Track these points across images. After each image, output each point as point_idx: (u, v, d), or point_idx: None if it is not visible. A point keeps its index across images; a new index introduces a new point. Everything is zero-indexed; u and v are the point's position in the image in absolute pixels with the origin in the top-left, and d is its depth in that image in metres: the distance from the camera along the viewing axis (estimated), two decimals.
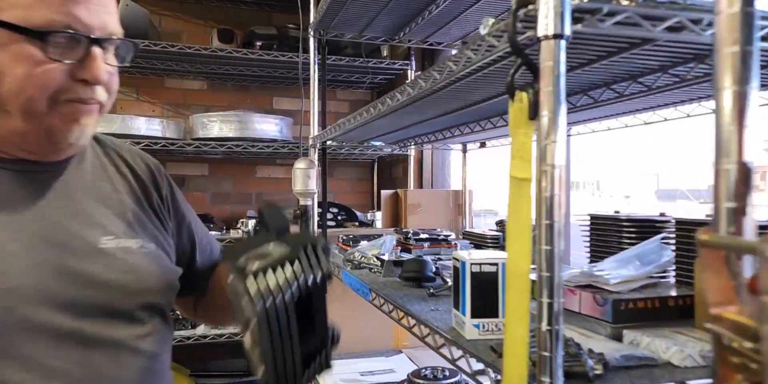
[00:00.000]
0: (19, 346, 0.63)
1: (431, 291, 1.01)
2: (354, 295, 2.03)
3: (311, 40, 2.14)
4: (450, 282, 1.02)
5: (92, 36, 0.66)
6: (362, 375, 1.71)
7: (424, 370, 1.46)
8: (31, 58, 0.63)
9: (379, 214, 2.52)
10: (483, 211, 2.74)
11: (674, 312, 0.74)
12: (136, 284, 0.72)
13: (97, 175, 0.78)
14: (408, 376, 1.46)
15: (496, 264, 0.68)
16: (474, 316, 0.68)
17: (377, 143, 2.43)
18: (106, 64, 0.69)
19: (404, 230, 1.68)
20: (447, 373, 1.44)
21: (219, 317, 0.97)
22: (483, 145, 2.01)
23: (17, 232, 0.67)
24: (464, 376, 1.47)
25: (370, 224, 2.66)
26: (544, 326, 0.49)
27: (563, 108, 0.49)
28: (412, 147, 2.39)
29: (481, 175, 2.28)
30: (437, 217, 2.18)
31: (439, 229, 1.71)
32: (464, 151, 2.14)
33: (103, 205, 0.75)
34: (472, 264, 0.68)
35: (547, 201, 0.50)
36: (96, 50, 0.67)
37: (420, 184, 2.67)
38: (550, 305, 0.49)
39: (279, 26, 2.64)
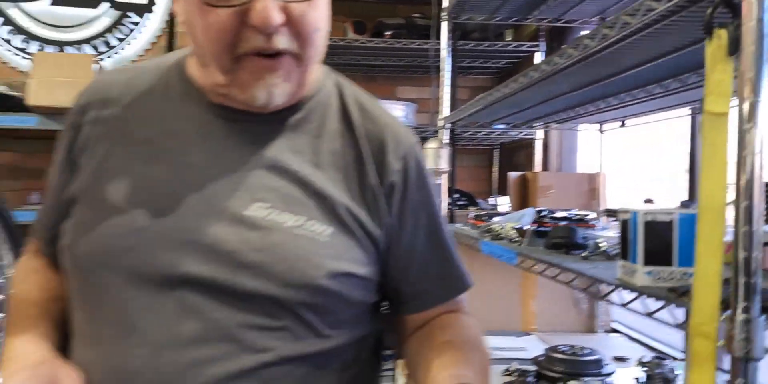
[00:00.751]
0: (121, 287, 0.61)
1: (584, 255, 1.02)
2: (481, 276, 2.06)
3: (444, 24, 2.20)
4: (604, 247, 1.02)
5: None
6: (494, 350, 1.74)
7: (561, 347, 1.46)
8: (199, 7, 0.59)
9: (502, 199, 2.52)
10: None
11: None
12: (262, 265, 0.61)
13: (306, 141, 0.68)
14: (545, 350, 1.47)
15: (671, 214, 0.69)
16: (647, 263, 0.70)
17: (501, 126, 2.43)
18: (275, 1, 0.57)
19: (539, 209, 1.68)
20: (586, 352, 1.42)
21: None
22: (623, 124, 1.93)
23: (174, 173, 0.65)
24: (607, 359, 1.44)
25: (493, 210, 2.67)
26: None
27: (766, 42, 0.50)
28: (540, 128, 2.36)
29: (616, 158, 2.19)
30: (569, 201, 2.14)
31: (575, 210, 1.69)
32: (601, 130, 2.07)
33: (286, 172, 0.65)
34: (644, 213, 0.70)
35: (748, 142, 0.50)
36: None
37: (545, 170, 2.63)
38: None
39: (404, 16, 2.74)
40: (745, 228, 0.50)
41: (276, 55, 0.60)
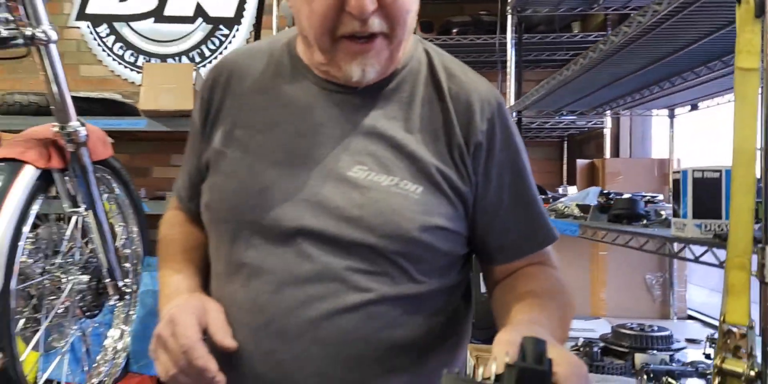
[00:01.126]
0: (249, 237, 0.73)
1: (645, 222, 1.10)
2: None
3: (509, 18, 2.28)
4: (665, 215, 1.09)
5: None
6: None
7: (630, 324, 1.50)
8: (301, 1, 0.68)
9: (572, 189, 2.56)
10: None
11: None
12: (362, 219, 0.70)
13: (398, 108, 0.75)
14: (612, 327, 1.52)
15: (719, 170, 0.76)
16: (695, 217, 0.78)
17: (570, 117, 2.47)
18: None
19: (605, 191, 1.73)
20: (655, 328, 1.46)
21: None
22: (695, 107, 1.92)
23: (290, 140, 0.74)
24: (677, 336, 1.46)
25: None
26: None
27: None
28: (608, 115, 2.38)
29: (690, 143, 2.17)
30: (638, 187, 2.15)
31: (643, 192, 1.73)
32: (671, 116, 2.08)
33: (381, 138, 0.73)
34: (693, 170, 0.78)
35: None
36: None
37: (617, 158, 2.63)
38: None
39: (471, 14, 2.84)
40: None
41: (369, 36, 0.68)
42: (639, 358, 1.30)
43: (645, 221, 1.10)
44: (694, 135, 2.15)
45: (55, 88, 1.01)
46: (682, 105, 1.96)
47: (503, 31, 2.40)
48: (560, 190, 2.82)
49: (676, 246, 0.82)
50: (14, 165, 1.00)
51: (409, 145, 0.73)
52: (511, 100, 2.26)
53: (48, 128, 1.06)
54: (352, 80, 0.71)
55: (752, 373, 0.58)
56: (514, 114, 2.20)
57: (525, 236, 0.78)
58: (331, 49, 0.69)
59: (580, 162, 2.31)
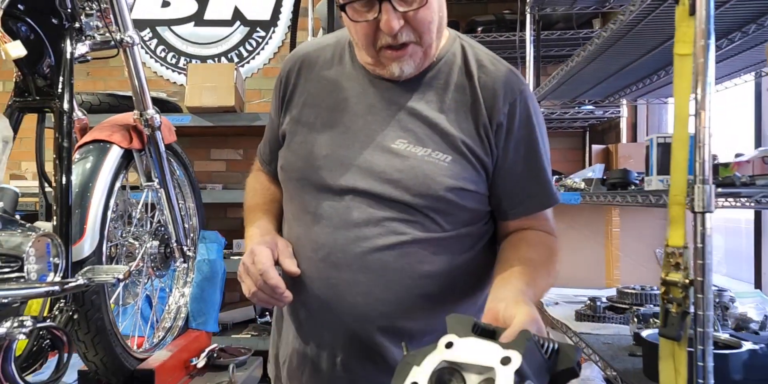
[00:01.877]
0: (314, 193, 0.94)
1: (633, 188, 1.26)
2: (568, 239, 2.27)
3: (527, 17, 2.43)
4: None
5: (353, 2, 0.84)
6: (575, 296, 1.97)
7: (633, 285, 1.66)
8: (348, 21, 0.89)
9: (595, 166, 2.69)
10: None
11: None
12: (401, 181, 0.89)
13: (435, 93, 0.93)
14: (617, 289, 1.68)
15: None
16: (659, 173, 0.94)
17: (588, 107, 2.61)
18: (396, 13, 0.83)
19: (617, 168, 1.88)
20: (656, 288, 1.61)
21: None
22: None
23: (348, 118, 0.94)
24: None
25: None
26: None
27: (712, 3, 0.75)
28: (624, 104, 2.50)
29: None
30: None
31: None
32: None
33: (419, 117, 0.91)
34: (657, 137, 0.94)
35: (701, 71, 0.76)
36: (385, 6, 0.83)
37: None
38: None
39: (495, 13, 2.99)
40: (702, 127, 0.75)
41: (402, 45, 0.87)
42: (638, 309, 1.46)
43: (635, 188, 1.26)
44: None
45: (136, 82, 1.24)
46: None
47: (523, 28, 2.54)
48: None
49: (652, 198, 0.99)
50: (104, 145, 1.23)
51: (441, 123, 0.92)
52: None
53: (129, 115, 1.29)
54: (393, 77, 0.92)
55: (686, 281, 0.75)
56: None
57: (532, 198, 0.96)
58: (375, 56, 0.91)
59: (596, 147, 2.45)
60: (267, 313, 3.21)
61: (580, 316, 1.57)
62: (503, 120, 0.92)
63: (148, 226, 1.48)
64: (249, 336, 2.95)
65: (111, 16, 1.13)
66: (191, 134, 3.50)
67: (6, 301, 0.67)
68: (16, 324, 0.66)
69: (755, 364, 0.93)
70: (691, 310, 0.77)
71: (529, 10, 2.41)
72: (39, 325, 0.69)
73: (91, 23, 1.15)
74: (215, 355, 1.58)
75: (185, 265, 1.58)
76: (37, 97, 0.98)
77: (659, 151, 0.93)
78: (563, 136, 3.37)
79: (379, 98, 0.94)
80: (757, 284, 1.71)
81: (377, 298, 0.90)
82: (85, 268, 0.91)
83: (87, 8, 1.13)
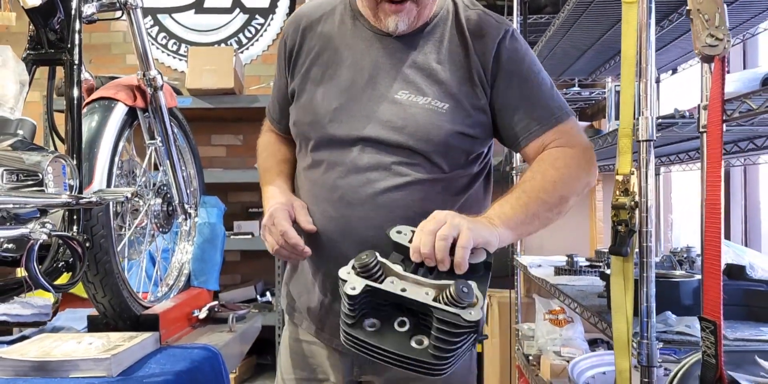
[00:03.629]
0: (326, 143, 1.05)
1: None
2: None
3: (515, 1, 2.51)
4: None
5: None
6: (558, 261, 2.06)
7: None
8: None
9: None
10: None
11: None
12: (404, 128, 0.99)
13: (432, 46, 1.03)
14: (595, 250, 1.77)
15: None
16: (616, 119, 1.03)
17: (575, 88, 2.69)
18: None
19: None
20: None
21: None
22: (674, 71, 2.09)
23: (353, 72, 1.03)
24: None
25: None
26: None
27: None
28: (609, 81, 2.59)
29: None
30: None
31: None
32: (657, 81, 2.27)
33: (419, 69, 1.01)
34: (616, 85, 1.04)
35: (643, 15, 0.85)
36: None
37: None
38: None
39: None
40: (645, 65, 0.84)
41: (401, 0, 0.97)
42: None
43: None
44: (679, 98, 2.34)
45: (140, 43, 1.33)
46: (664, 70, 2.14)
47: (511, 13, 2.62)
48: None
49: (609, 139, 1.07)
50: (110, 102, 1.32)
51: (439, 73, 1.02)
52: None
53: (133, 77, 1.39)
54: (388, 31, 1.01)
55: (633, 203, 0.85)
56: None
57: (537, 120, 1.01)
58: (374, 8, 1.00)
59: (581, 124, 2.53)
60: (267, 293, 3.31)
61: (558, 271, 1.66)
62: (491, 60, 1.01)
63: (152, 185, 1.57)
64: (249, 311, 3.04)
65: None
66: (192, 119, 3.56)
67: (28, 208, 0.77)
68: (38, 225, 0.76)
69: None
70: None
71: None
72: (58, 233, 0.79)
73: None
74: (216, 309, 1.67)
75: (187, 223, 1.67)
76: (50, 50, 1.07)
77: (616, 97, 1.02)
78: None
79: (381, 53, 1.03)
80: (726, 235, 1.79)
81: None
82: (96, 189, 1.00)
83: None
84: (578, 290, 1.42)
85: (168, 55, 3.84)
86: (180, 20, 3.83)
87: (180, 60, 3.78)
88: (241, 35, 3.79)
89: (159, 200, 1.54)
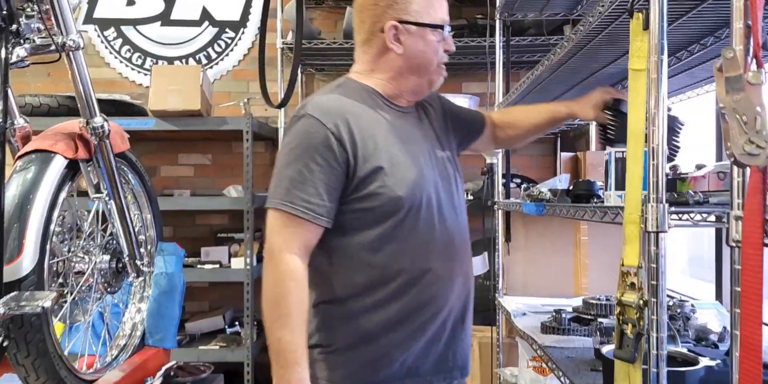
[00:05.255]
0: (421, 210, 1.16)
1: (594, 202, 1.24)
2: (539, 247, 2.27)
3: (497, 23, 2.43)
4: None
5: (447, 24, 1.20)
6: (543, 305, 1.96)
7: (599, 296, 1.65)
8: (434, 41, 1.18)
9: (561, 176, 2.70)
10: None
11: None
12: (449, 175, 1.25)
13: (422, 114, 1.28)
14: (583, 299, 1.67)
15: None
16: (617, 189, 0.93)
17: None
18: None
19: (581, 179, 1.88)
20: None
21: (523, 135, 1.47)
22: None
23: (413, 145, 1.20)
24: None
25: None
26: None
27: (665, 19, 0.73)
28: None
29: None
30: None
31: None
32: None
33: (430, 130, 1.26)
34: (615, 152, 0.93)
35: (654, 87, 0.74)
36: (448, 33, 1.21)
37: None
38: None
39: (468, 18, 2.98)
40: (654, 144, 0.74)
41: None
42: (600, 322, 1.46)
43: (597, 200, 1.25)
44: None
45: (81, 89, 1.18)
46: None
47: (493, 34, 2.54)
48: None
49: (611, 215, 0.97)
50: (46, 155, 1.17)
51: (440, 135, 1.30)
52: (500, 97, 2.41)
53: (75, 123, 1.23)
54: (436, 87, 1.27)
55: (641, 302, 0.74)
56: None
57: (475, 114, 1.44)
58: (432, 71, 1.22)
59: (564, 155, 2.46)
60: (236, 323, 3.14)
61: (545, 328, 1.56)
62: (440, 110, 1.34)
63: (99, 239, 1.42)
64: (217, 347, 2.85)
65: (52, 18, 1.07)
66: (158, 138, 3.41)
67: None
68: None
69: (711, 381, 0.92)
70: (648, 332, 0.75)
71: (498, 16, 2.41)
72: None
73: (32, 26, 1.08)
74: (173, 373, 1.52)
75: (141, 279, 1.52)
76: None
77: (617, 166, 0.92)
78: (535, 142, 3.35)
79: (409, 123, 1.24)
80: (718, 296, 1.73)
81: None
82: (8, 296, 0.85)
83: (27, 10, 1.07)
84: (567, 357, 1.32)
85: (132, 69, 3.65)
86: (145, 32, 3.64)
87: (145, 74, 3.59)
88: (210, 49, 3.62)
89: (107, 257, 1.38)
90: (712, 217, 0.70)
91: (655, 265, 0.73)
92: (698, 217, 0.72)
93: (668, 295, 2.10)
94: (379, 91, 1.20)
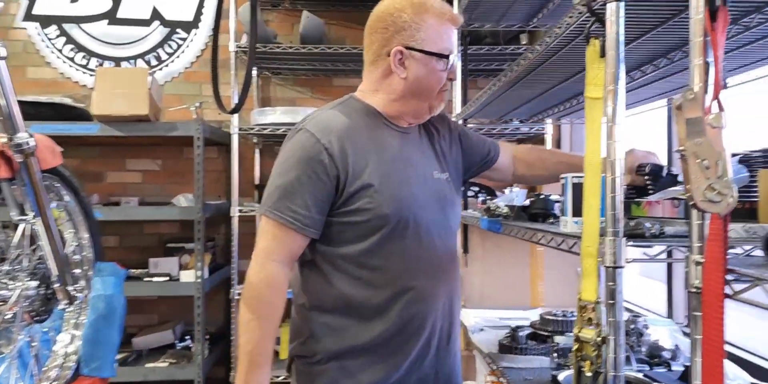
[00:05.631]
0: (408, 229, 1.16)
1: (551, 221, 1.23)
2: (496, 258, 2.27)
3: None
4: None
5: (453, 54, 1.19)
6: (501, 319, 1.95)
7: (555, 311, 1.65)
8: (437, 70, 1.18)
9: (516, 190, 2.71)
10: None
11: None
12: (444, 197, 1.24)
13: (423, 135, 1.29)
14: (540, 315, 1.66)
15: None
16: (574, 215, 0.91)
17: (515, 124, 2.62)
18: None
19: (538, 193, 1.88)
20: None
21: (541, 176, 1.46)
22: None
23: (407, 165, 1.20)
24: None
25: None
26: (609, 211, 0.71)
27: (622, 47, 0.71)
28: (549, 123, 2.54)
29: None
30: None
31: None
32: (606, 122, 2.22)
33: (431, 151, 1.27)
34: (572, 177, 0.91)
35: (611, 116, 0.72)
36: (453, 61, 1.19)
37: None
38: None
39: None
40: (611, 176, 0.71)
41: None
42: (558, 339, 1.46)
43: (551, 219, 1.24)
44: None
45: (2, 101, 1.07)
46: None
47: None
48: (506, 191, 2.98)
49: (568, 242, 0.95)
50: None
51: (442, 157, 1.30)
52: (458, 107, 2.39)
53: None
54: (434, 113, 1.25)
55: (599, 339, 0.71)
56: (461, 121, 2.33)
57: (490, 143, 1.42)
58: (434, 97, 1.22)
59: None
60: (187, 337, 3.00)
61: (503, 348, 1.54)
62: (449, 134, 1.36)
63: (27, 263, 1.30)
64: (166, 364, 2.72)
65: None
66: (103, 143, 3.23)
67: None
68: None
69: None
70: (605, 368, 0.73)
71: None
72: None
73: None
74: None
75: (73, 305, 1.41)
76: None
77: (575, 192, 0.89)
78: None
79: (408, 142, 1.25)
80: (670, 314, 1.75)
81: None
82: None
83: None
84: (525, 379, 1.30)
85: (76, 69, 3.45)
86: (90, 31, 3.45)
87: (90, 75, 3.40)
88: (160, 50, 3.46)
89: (34, 283, 1.27)
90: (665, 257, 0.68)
91: (613, 301, 0.71)
92: (655, 249, 0.70)
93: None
94: (380, 111, 1.23)
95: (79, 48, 3.43)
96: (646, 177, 1.04)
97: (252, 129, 2.91)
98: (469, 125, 2.46)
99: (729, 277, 0.52)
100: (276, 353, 2.78)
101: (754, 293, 0.52)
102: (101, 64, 3.43)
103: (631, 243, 0.71)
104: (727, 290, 0.51)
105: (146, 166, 3.39)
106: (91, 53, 3.43)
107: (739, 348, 1.56)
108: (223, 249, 3.24)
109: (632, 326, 1.43)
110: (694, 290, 0.56)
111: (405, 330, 1.16)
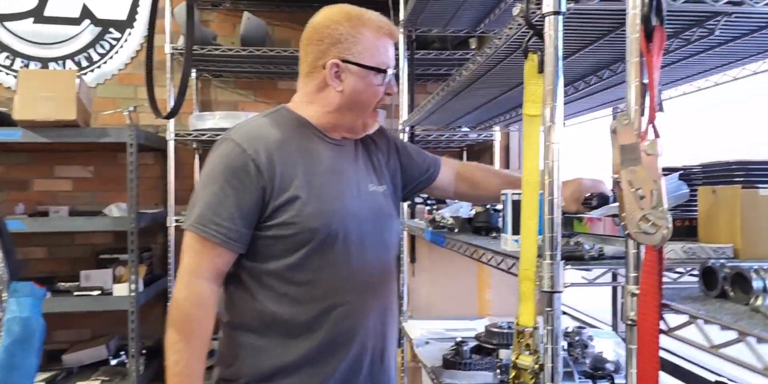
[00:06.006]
0: (337, 243, 1.13)
1: (494, 235, 1.21)
2: (443, 267, 2.24)
3: (402, 36, 2.39)
4: None
5: (391, 68, 1.17)
6: (447, 330, 1.93)
7: (501, 322, 1.64)
8: (374, 84, 1.16)
9: None
10: None
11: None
12: (380, 210, 1.22)
13: (359, 148, 1.26)
14: (486, 327, 1.64)
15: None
16: (514, 233, 0.88)
17: (463, 130, 2.62)
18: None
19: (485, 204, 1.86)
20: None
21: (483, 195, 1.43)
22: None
23: (339, 177, 1.17)
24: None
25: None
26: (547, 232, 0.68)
27: (560, 64, 0.69)
28: (497, 130, 2.55)
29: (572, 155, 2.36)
30: None
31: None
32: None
33: (366, 164, 1.25)
34: (512, 194, 0.88)
35: (549, 134, 0.69)
36: (392, 77, 1.18)
37: (507, 169, 2.81)
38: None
39: None
40: (549, 197, 0.68)
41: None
42: (502, 354, 1.43)
43: (493, 233, 1.22)
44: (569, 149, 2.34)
45: None
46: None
47: (397, 47, 2.50)
48: (448, 202, 2.97)
49: (507, 262, 0.92)
50: None
51: (379, 170, 1.29)
52: (405, 114, 2.36)
53: None
54: (370, 130, 1.25)
55: (536, 366, 0.68)
56: (407, 128, 2.30)
57: (430, 160, 1.42)
58: (369, 114, 1.21)
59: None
60: (122, 353, 2.83)
61: (447, 363, 1.51)
62: (388, 148, 1.36)
63: None
64: (99, 382, 2.56)
65: None
66: (29, 149, 3.01)
67: None
68: None
69: None
70: None
71: (402, 30, 2.37)
72: None
73: None
74: None
75: None
76: None
77: (513, 208, 0.87)
78: (441, 155, 3.39)
79: (341, 156, 1.22)
80: (615, 326, 1.78)
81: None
82: None
83: None
84: None
85: (0, 70, 3.21)
86: (14, 30, 3.22)
87: (14, 77, 3.16)
88: (91, 50, 3.27)
89: None
90: (609, 275, 0.66)
91: (551, 328, 0.68)
92: (594, 272, 0.68)
93: (564, 312, 2.16)
94: (313, 123, 1.20)
95: (3, 48, 3.19)
96: (591, 207, 1.05)
97: (190, 135, 2.79)
98: (417, 132, 2.43)
99: (664, 311, 0.50)
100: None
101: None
102: (27, 65, 3.20)
103: (569, 267, 0.69)
104: (663, 326, 0.49)
105: (77, 173, 3.18)
106: (15, 53, 3.20)
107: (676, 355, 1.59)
108: (161, 259, 3.08)
109: (577, 338, 1.43)
110: (630, 323, 0.54)
111: (331, 347, 1.12)
